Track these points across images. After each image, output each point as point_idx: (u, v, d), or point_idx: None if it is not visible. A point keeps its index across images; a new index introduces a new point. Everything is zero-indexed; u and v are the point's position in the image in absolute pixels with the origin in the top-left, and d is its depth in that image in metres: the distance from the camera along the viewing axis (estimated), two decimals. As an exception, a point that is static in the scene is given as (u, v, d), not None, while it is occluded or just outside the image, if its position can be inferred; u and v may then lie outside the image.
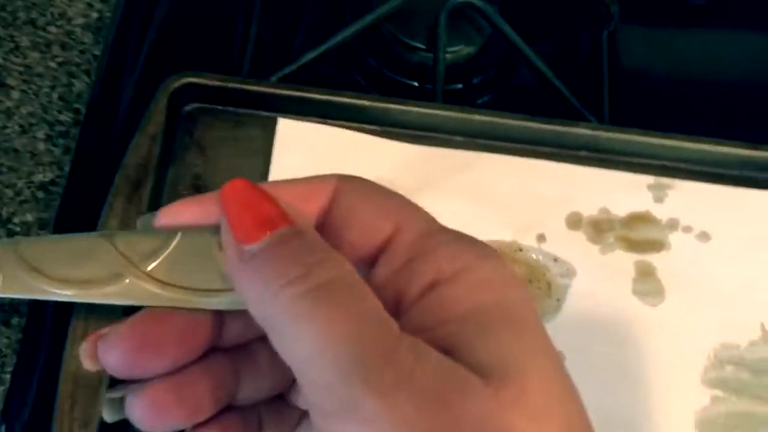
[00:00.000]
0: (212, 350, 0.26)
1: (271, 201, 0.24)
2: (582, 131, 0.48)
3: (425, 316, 0.23)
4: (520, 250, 0.46)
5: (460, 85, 0.56)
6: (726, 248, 0.46)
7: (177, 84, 0.45)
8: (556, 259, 0.45)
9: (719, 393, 0.43)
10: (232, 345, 0.27)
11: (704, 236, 0.47)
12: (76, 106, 0.52)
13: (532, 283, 0.45)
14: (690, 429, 0.41)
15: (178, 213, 0.26)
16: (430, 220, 0.26)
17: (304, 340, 0.21)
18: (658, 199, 0.48)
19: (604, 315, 0.44)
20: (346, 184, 0.27)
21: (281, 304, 0.22)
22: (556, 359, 0.24)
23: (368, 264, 0.26)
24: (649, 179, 0.48)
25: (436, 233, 0.25)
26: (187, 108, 0.46)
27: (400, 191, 0.48)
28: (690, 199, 0.47)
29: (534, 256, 0.45)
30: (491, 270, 0.24)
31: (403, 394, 0.21)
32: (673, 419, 0.42)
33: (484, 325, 0.23)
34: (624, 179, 0.48)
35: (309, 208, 0.26)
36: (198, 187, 0.45)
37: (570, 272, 0.45)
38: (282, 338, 0.22)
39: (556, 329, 0.43)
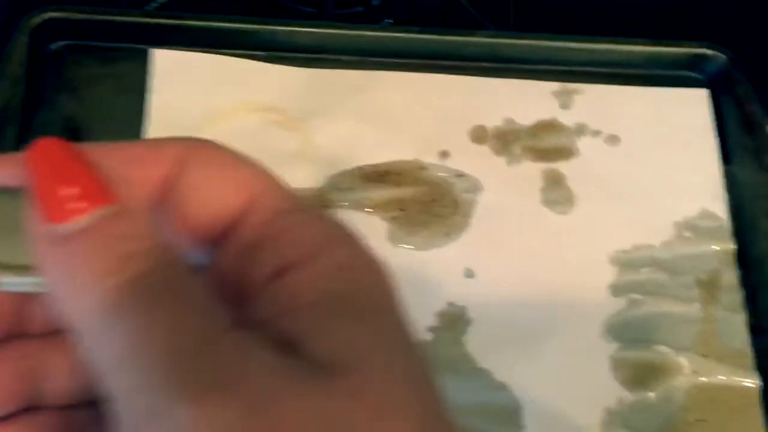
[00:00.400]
0: (14, 335, 0.23)
1: (89, 169, 0.20)
2: (480, 40, 0.46)
3: (270, 306, 0.21)
4: (423, 168, 0.43)
5: (360, 8, 0.53)
6: (635, 150, 0.45)
7: (38, 20, 0.42)
8: (460, 175, 0.43)
9: (636, 296, 0.41)
10: (41, 330, 0.23)
11: (613, 139, 0.45)
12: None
13: (437, 202, 0.43)
14: (605, 335, 0.40)
15: None
16: (285, 197, 0.23)
17: (114, 341, 0.19)
18: (565, 106, 0.45)
19: (513, 228, 0.42)
20: (195, 150, 0.23)
21: (90, 298, 0.19)
22: (411, 350, 0.22)
23: (214, 244, 0.23)
24: (554, 86, 0.46)
25: (289, 213, 0.23)
26: (53, 46, 0.43)
27: (294, 117, 0.46)
28: (597, 103, 0.45)
29: (438, 173, 0.43)
30: (345, 255, 0.22)
31: (221, 396, 0.18)
32: (588, 326, 0.40)
33: (331, 315, 0.20)
34: (528, 87, 0.46)
35: (146, 176, 0.22)
36: (72, 131, 0.42)
37: (476, 187, 0.43)
38: (88, 338, 0.19)
39: (465, 247, 0.42)
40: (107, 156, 0.21)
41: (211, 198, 0.22)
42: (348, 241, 0.22)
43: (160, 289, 0.19)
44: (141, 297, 0.19)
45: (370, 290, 0.22)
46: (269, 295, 0.21)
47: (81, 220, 0.19)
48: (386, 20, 0.52)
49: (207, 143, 0.24)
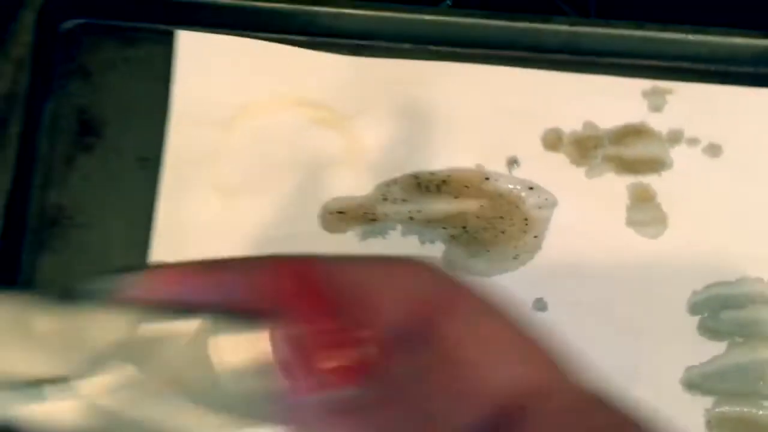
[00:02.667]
0: None
1: (349, 327, 0.18)
2: (559, 27, 0.39)
3: None
4: (487, 179, 0.37)
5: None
6: (740, 162, 0.38)
7: (49, -5, 0.36)
8: (532, 187, 0.37)
9: (738, 339, 0.35)
10: None
11: (714, 149, 0.38)
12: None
13: (504, 219, 0.36)
14: (698, 386, 0.34)
15: (165, 282, 0.18)
16: (563, 375, 0.21)
17: None
18: (656, 108, 0.39)
19: (592, 253, 0.36)
20: (457, 298, 0.21)
21: None
22: None
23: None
24: (644, 84, 0.39)
25: (578, 401, 0.21)
26: (66, 25, 0.37)
27: (340, 114, 0.40)
28: (695, 106, 0.38)
29: (504, 185, 0.37)
30: None
31: None
32: (678, 375, 0.34)
33: None
34: (613, 85, 0.39)
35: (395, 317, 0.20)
36: (85, 123, 0.37)
37: (550, 202, 0.37)
38: None
39: (536, 273, 0.36)
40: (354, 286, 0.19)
41: (494, 368, 0.20)
42: None
43: None
44: None
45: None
46: None
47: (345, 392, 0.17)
48: (446, 2, 0.46)
49: (459, 284, 0.21)
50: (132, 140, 0.36)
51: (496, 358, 0.20)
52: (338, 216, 0.36)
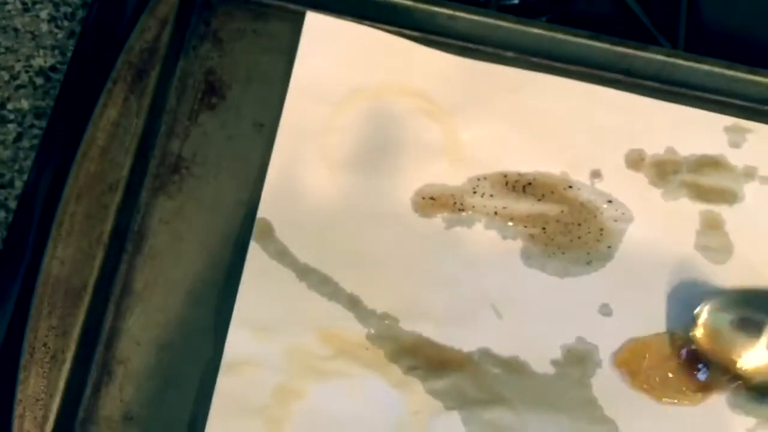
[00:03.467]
0: None
1: None
2: (654, 56, 0.42)
3: None
4: (570, 186, 0.40)
5: (516, 0, 0.49)
6: (808, 205, 0.40)
7: (195, -37, 0.40)
8: (611, 201, 0.40)
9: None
10: None
11: (784, 190, 0.41)
12: (85, -16, 0.46)
13: (582, 226, 0.39)
14: (749, 399, 0.36)
15: None
16: None
17: None
18: (735, 144, 0.41)
19: (660, 269, 0.38)
20: None
21: None
22: None
23: None
24: (726, 120, 0.42)
25: None
26: (205, -7, 0.41)
27: (442, 108, 0.43)
28: (771, 146, 0.41)
29: (586, 194, 0.40)
30: None
31: None
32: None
33: None
34: (697, 117, 0.41)
35: None
36: (211, 83, 0.40)
37: (626, 217, 0.39)
38: None
39: (605, 280, 0.38)
40: None
41: None
42: None
43: None
44: None
45: None
46: None
47: None
48: (543, 17, 0.48)
49: None
50: (251, 106, 0.39)
51: None
52: (430, 201, 0.39)
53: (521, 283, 0.38)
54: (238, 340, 0.35)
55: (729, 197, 0.40)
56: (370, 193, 0.39)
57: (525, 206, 0.39)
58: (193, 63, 0.40)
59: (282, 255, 0.37)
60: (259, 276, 0.36)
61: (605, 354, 0.37)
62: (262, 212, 0.37)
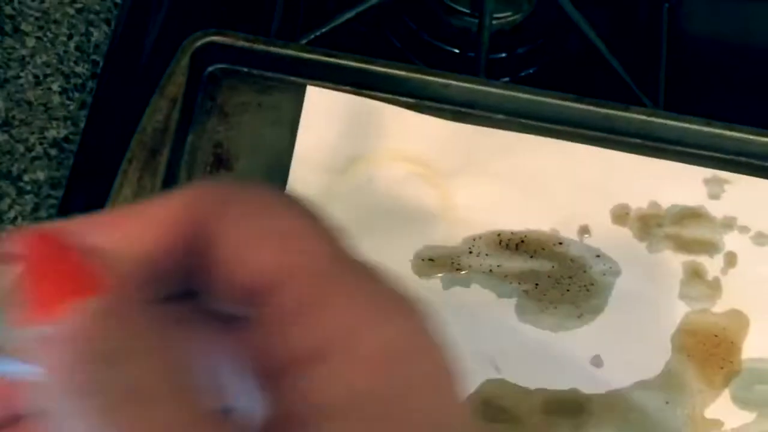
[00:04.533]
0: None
1: (75, 261, 0.17)
2: (635, 116, 0.44)
3: (294, 401, 0.18)
4: (560, 243, 0.42)
5: (504, 54, 0.52)
6: (785, 253, 0.43)
7: (200, 42, 0.42)
8: (599, 255, 0.42)
9: (766, 411, 0.40)
10: None
11: (761, 237, 0.43)
12: (94, 57, 0.49)
13: (573, 280, 0.41)
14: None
15: None
16: (331, 255, 0.19)
17: None
18: (714, 195, 0.44)
19: (648, 319, 0.41)
20: (213, 197, 0.19)
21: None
22: None
23: (253, 306, 0.19)
24: (705, 172, 0.44)
25: (334, 277, 0.19)
26: (210, 69, 0.43)
27: (437, 172, 0.45)
28: (749, 197, 0.44)
29: (575, 250, 0.42)
30: (393, 335, 0.18)
31: None
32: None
33: (368, 427, 0.17)
34: (678, 171, 0.44)
35: (152, 239, 0.19)
36: (219, 156, 0.42)
37: (614, 270, 0.42)
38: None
39: (597, 332, 0.41)
40: (95, 232, 0.18)
41: (244, 255, 0.18)
42: (400, 315, 0.19)
43: (152, 403, 0.16)
44: (127, 415, 0.16)
45: (414, 387, 0.18)
46: (296, 386, 0.18)
47: (63, 320, 0.16)
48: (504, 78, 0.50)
49: (238, 187, 0.19)
50: (258, 176, 0.42)
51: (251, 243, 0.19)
52: (429, 263, 0.41)
53: (517, 339, 0.40)
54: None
55: (710, 247, 0.43)
56: (371, 257, 0.41)
57: (518, 263, 0.42)
58: (201, 137, 0.42)
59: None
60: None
61: (598, 405, 0.39)
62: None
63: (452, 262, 0.41)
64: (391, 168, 0.43)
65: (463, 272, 0.41)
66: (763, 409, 0.39)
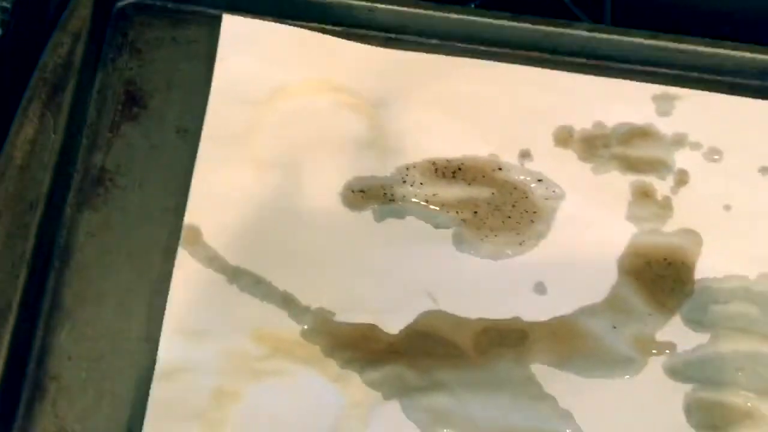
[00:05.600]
0: None
1: None
2: (577, 33, 0.42)
3: None
4: (500, 168, 0.40)
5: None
6: (739, 168, 0.40)
7: (107, -25, 0.39)
8: (541, 179, 0.39)
9: (722, 331, 0.37)
10: None
11: (714, 153, 0.40)
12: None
13: (514, 207, 0.39)
14: (681, 371, 0.36)
15: None
16: None
17: None
18: (664, 112, 0.41)
19: (594, 243, 0.38)
20: None
21: None
22: None
23: None
24: (654, 89, 0.41)
25: None
26: (120, 4, 0.41)
27: (366, 100, 0.42)
28: (701, 112, 0.41)
29: (516, 175, 0.39)
30: None
31: None
32: (664, 360, 0.36)
33: None
34: (624, 89, 0.41)
35: None
36: (131, 94, 0.40)
37: (557, 194, 0.39)
38: None
39: (539, 259, 0.38)
40: None
41: None
42: None
43: None
44: None
45: None
46: None
47: None
48: (472, 3, 0.48)
49: None
50: (174, 113, 0.39)
51: None
52: (359, 194, 0.39)
53: (455, 269, 0.38)
54: (171, 347, 0.35)
55: (660, 166, 0.40)
56: (299, 191, 0.39)
57: (455, 192, 0.39)
58: (111, 75, 0.40)
59: (211, 259, 0.37)
60: (189, 282, 0.36)
61: (541, 333, 0.36)
62: (189, 218, 0.37)
63: (385, 193, 0.39)
64: (317, 98, 0.40)
65: (398, 203, 0.39)
66: (718, 329, 0.37)
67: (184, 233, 0.37)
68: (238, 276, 0.37)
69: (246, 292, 0.36)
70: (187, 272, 0.36)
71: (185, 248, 0.37)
